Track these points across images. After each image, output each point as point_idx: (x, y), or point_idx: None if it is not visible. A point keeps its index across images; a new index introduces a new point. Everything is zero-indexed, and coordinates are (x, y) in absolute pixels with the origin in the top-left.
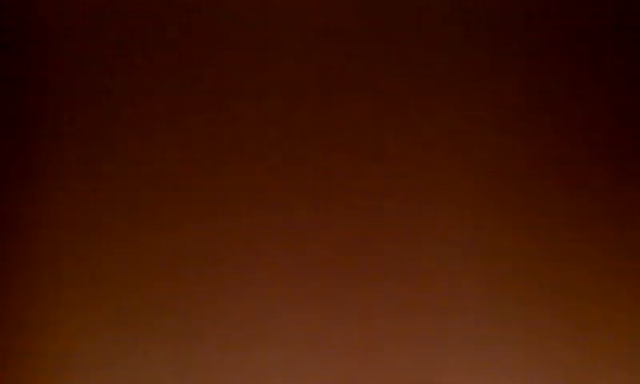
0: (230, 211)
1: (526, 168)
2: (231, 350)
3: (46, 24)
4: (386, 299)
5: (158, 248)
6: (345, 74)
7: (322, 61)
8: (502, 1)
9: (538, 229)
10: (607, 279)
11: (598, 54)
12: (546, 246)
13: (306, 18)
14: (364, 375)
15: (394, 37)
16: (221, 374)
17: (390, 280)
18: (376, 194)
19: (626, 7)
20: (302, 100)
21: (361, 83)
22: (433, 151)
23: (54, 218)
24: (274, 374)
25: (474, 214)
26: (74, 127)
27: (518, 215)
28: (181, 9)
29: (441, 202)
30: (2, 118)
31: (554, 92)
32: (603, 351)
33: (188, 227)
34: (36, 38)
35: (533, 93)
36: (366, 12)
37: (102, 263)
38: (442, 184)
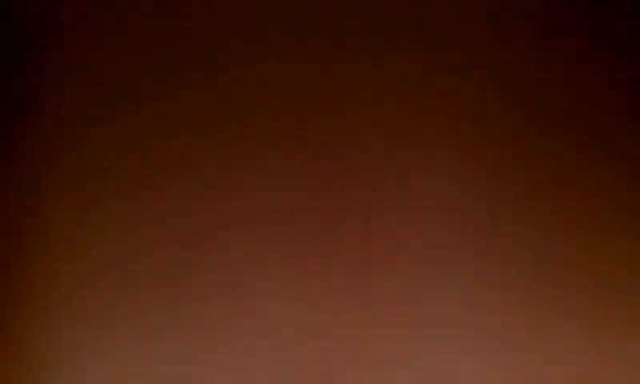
0: (227, 209)
1: (526, 170)
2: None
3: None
4: (379, 295)
5: (155, 244)
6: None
7: (324, 42)
8: None
9: (537, 230)
10: (608, 279)
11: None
12: (544, 246)
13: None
14: (358, 371)
15: (395, 21)
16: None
17: (380, 275)
18: (372, 186)
19: (628, 6)
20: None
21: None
22: (429, 150)
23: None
24: (263, 365)
25: (469, 211)
26: (69, 124)
27: (516, 214)
28: None
29: (439, 199)
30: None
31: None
32: (602, 348)
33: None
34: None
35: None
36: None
37: (93, 261)
38: (440, 181)
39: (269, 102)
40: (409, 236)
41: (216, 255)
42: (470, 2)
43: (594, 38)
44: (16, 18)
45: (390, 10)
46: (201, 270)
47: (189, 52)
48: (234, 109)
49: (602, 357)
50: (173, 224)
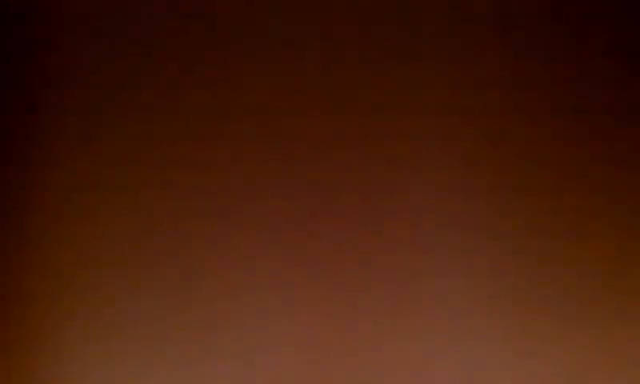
0: (228, 209)
1: (527, 171)
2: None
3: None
4: (378, 296)
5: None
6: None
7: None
8: None
9: (536, 230)
10: (607, 283)
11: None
12: (544, 248)
13: None
14: (358, 371)
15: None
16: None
17: (381, 276)
18: (372, 189)
19: (626, 6)
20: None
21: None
22: (430, 153)
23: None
24: (267, 370)
25: (470, 213)
26: (71, 126)
27: (517, 216)
28: None
29: (438, 202)
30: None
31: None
32: (601, 349)
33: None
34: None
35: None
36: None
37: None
38: (440, 181)
39: (271, 105)
40: (410, 239)
41: (218, 259)
42: (471, 1)
43: (595, 36)
44: (16, 17)
45: (390, 11)
46: (204, 274)
47: (190, 54)
48: (237, 111)
49: (605, 359)
50: (176, 226)
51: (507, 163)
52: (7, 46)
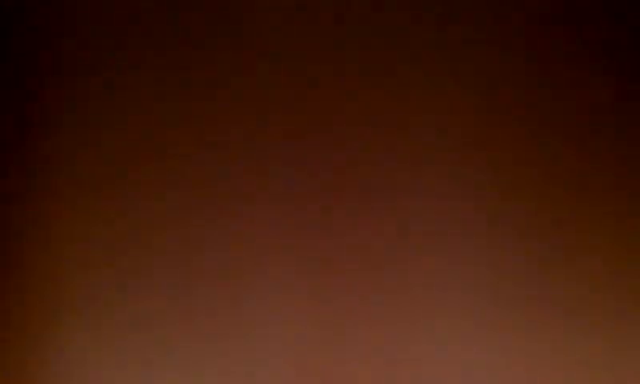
0: (229, 210)
1: (526, 171)
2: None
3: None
4: (382, 300)
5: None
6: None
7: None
8: None
9: (537, 231)
10: (607, 283)
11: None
12: (544, 249)
13: None
14: (364, 375)
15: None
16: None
17: (384, 282)
18: (372, 193)
19: (626, 6)
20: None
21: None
22: (431, 151)
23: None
24: (273, 371)
25: (470, 212)
26: (70, 126)
27: (516, 216)
28: None
29: (440, 204)
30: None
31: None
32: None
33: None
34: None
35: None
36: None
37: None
38: (440, 183)
39: (273, 106)
40: (413, 243)
41: (221, 259)
42: (470, 1)
43: (594, 36)
44: (16, 16)
45: (392, 13)
46: (205, 275)
47: (190, 53)
48: (239, 111)
49: (605, 359)
50: (177, 228)
51: (507, 165)
52: (7, 45)
